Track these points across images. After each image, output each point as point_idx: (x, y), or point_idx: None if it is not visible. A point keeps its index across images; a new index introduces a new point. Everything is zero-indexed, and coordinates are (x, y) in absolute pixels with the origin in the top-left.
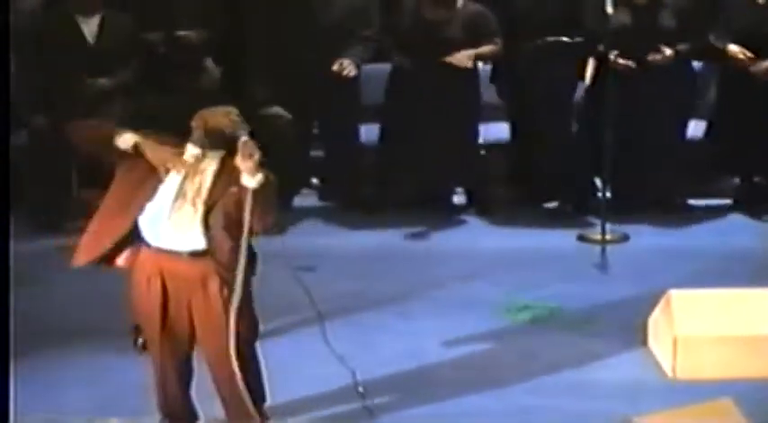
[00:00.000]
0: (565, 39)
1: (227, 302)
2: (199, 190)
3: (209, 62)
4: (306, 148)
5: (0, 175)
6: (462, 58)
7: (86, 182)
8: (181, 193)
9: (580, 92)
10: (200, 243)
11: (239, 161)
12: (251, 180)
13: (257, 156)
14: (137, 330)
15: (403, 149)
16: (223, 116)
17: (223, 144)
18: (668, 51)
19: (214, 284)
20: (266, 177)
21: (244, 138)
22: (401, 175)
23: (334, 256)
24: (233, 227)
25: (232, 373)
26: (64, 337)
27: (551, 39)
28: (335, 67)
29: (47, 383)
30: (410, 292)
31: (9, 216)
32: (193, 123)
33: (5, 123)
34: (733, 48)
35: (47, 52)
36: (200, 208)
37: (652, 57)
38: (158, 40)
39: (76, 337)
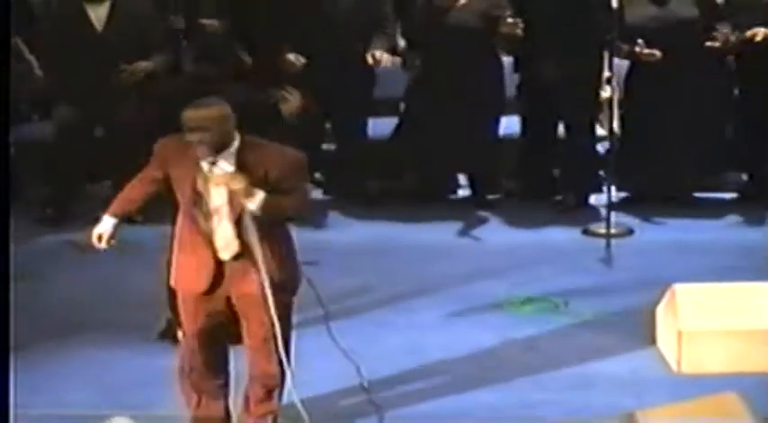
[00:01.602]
0: None
1: (265, 295)
2: (229, 201)
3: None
4: (317, 142)
5: (0, 171)
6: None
7: (93, 177)
8: (216, 209)
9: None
10: (237, 250)
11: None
12: (250, 204)
13: (236, 185)
14: (175, 324)
15: (415, 141)
16: (191, 135)
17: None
18: (731, 38)
19: (253, 278)
20: (269, 192)
21: (215, 172)
22: (411, 166)
23: (337, 250)
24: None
25: (271, 361)
26: (64, 331)
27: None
28: (370, 60)
29: (47, 378)
30: (414, 287)
31: (9, 211)
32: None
33: (5, 120)
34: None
35: (55, 41)
36: (233, 220)
37: (710, 43)
38: (180, 28)
39: (77, 331)
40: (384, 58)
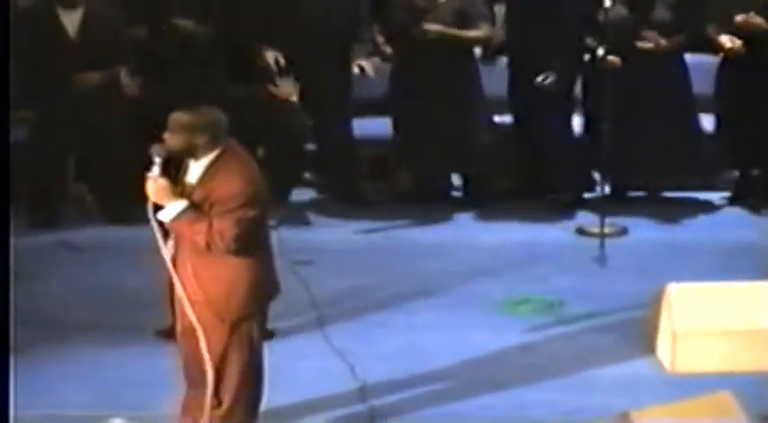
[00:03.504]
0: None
1: None
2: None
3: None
4: (302, 142)
5: (0, 171)
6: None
7: (81, 176)
8: None
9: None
10: None
11: None
12: (161, 213)
13: (149, 190)
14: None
15: (402, 141)
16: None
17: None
18: (661, 41)
19: None
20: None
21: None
22: (400, 166)
23: (331, 251)
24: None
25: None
26: (64, 332)
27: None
28: (356, 70)
29: (47, 378)
30: (409, 287)
31: (9, 211)
32: None
33: (5, 120)
34: (724, 38)
35: (30, 46)
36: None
37: (642, 44)
38: (150, 33)
39: (76, 332)
40: (369, 68)
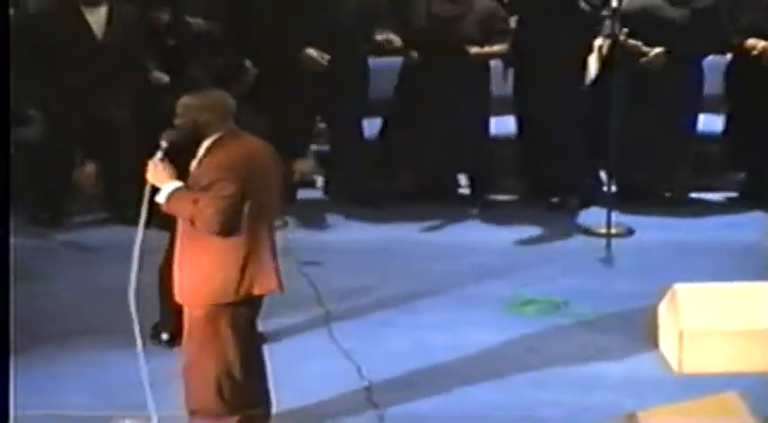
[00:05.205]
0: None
1: None
2: None
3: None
4: (309, 142)
5: (0, 171)
6: None
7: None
8: None
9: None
10: None
11: None
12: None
13: (148, 175)
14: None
15: (408, 142)
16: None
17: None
18: (656, 50)
19: None
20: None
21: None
22: (406, 167)
23: (340, 251)
24: None
25: None
26: (64, 332)
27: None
28: (381, 38)
29: (47, 379)
30: (416, 287)
31: (9, 211)
32: None
33: (6, 120)
34: (751, 41)
35: (52, 49)
36: None
37: (645, 60)
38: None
39: (77, 332)
40: (395, 39)
